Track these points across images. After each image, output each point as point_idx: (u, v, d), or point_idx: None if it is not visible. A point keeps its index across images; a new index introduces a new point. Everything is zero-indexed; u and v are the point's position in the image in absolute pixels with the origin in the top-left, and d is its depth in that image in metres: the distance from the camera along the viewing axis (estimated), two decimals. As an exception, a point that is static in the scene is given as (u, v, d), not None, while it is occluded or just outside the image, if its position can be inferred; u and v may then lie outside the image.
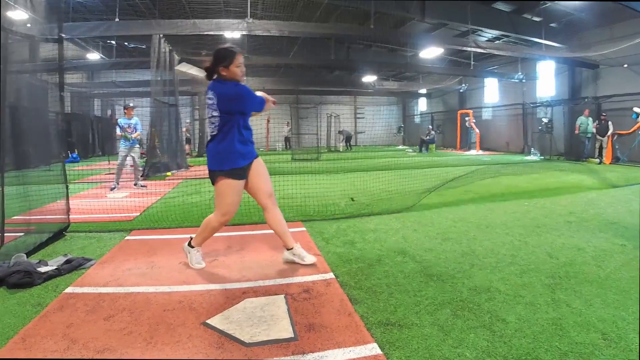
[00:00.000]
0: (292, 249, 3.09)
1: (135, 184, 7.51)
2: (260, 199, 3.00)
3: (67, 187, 4.19)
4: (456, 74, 18.89)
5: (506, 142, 17.67)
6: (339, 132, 21.20)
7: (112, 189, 7.22)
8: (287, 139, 21.63)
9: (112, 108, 7.93)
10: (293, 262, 3.09)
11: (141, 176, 8.26)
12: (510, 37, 13.82)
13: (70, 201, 4.26)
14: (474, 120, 18.70)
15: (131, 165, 7.67)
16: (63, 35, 4.08)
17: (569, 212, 4.87)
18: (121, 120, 7.39)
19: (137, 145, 7.57)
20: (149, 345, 1.94)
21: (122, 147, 7.38)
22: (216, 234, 3.96)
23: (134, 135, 7.30)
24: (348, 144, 21.12)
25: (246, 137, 2.88)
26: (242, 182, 2.89)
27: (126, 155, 7.38)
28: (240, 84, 2.84)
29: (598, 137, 11.84)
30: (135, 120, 7.40)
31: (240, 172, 2.86)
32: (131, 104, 7.68)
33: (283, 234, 3.06)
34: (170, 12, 12.18)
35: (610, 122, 11.48)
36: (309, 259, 3.07)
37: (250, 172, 2.93)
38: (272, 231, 4.03)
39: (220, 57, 2.78)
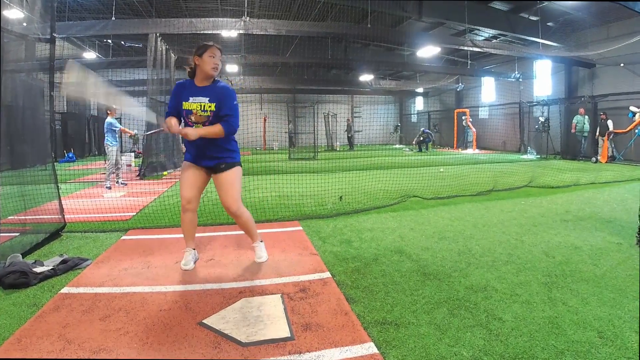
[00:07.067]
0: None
1: (116, 182, 7.64)
2: None
3: (58, 188, 4.17)
4: (453, 73, 18.93)
5: (503, 141, 17.71)
6: (348, 133, 20.94)
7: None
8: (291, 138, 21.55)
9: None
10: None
11: (137, 176, 8.69)
12: (507, 36, 13.85)
13: (66, 201, 4.24)
14: (470, 119, 18.74)
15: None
16: (56, 34, 4.05)
17: (565, 211, 4.89)
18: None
19: (109, 144, 7.42)
20: (145, 345, 1.94)
21: None
22: (212, 234, 3.99)
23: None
24: (350, 142, 20.94)
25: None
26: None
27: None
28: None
29: (600, 137, 11.82)
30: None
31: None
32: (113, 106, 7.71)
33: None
34: (167, 11, 12.16)
35: (609, 121, 11.53)
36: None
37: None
38: (270, 230, 4.08)
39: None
